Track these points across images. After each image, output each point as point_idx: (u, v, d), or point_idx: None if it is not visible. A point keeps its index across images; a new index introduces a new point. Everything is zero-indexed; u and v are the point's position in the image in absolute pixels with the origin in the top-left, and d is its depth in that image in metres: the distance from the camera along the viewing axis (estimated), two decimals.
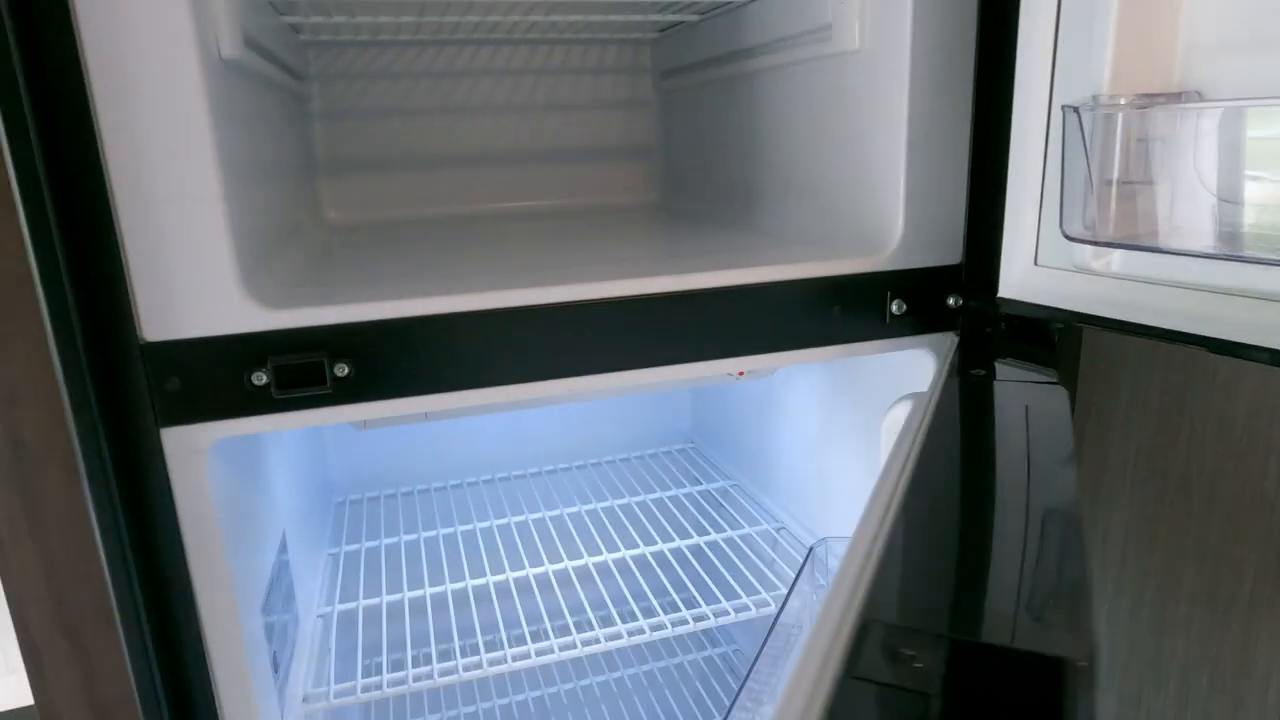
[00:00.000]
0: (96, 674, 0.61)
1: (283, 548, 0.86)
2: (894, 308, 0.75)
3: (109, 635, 0.61)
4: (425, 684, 0.83)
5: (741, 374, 0.95)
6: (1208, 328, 0.53)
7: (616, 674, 1.33)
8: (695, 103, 1.15)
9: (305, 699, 0.81)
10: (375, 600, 0.99)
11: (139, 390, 0.59)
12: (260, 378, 0.60)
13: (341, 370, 0.62)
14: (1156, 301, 0.55)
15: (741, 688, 0.83)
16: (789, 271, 0.73)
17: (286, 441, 0.93)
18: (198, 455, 0.61)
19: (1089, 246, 0.56)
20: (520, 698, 1.28)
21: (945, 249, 0.76)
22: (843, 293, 0.74)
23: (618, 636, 0.89)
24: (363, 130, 1.17)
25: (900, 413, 0.75)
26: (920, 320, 0.77)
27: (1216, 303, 0.52)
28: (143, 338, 0.58)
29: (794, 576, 1.01)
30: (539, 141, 1.24)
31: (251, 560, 0.73)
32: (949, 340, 0.79)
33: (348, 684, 0.83)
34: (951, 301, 0.77)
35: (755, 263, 0.73)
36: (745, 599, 0.95)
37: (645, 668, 1.35)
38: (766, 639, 0.85)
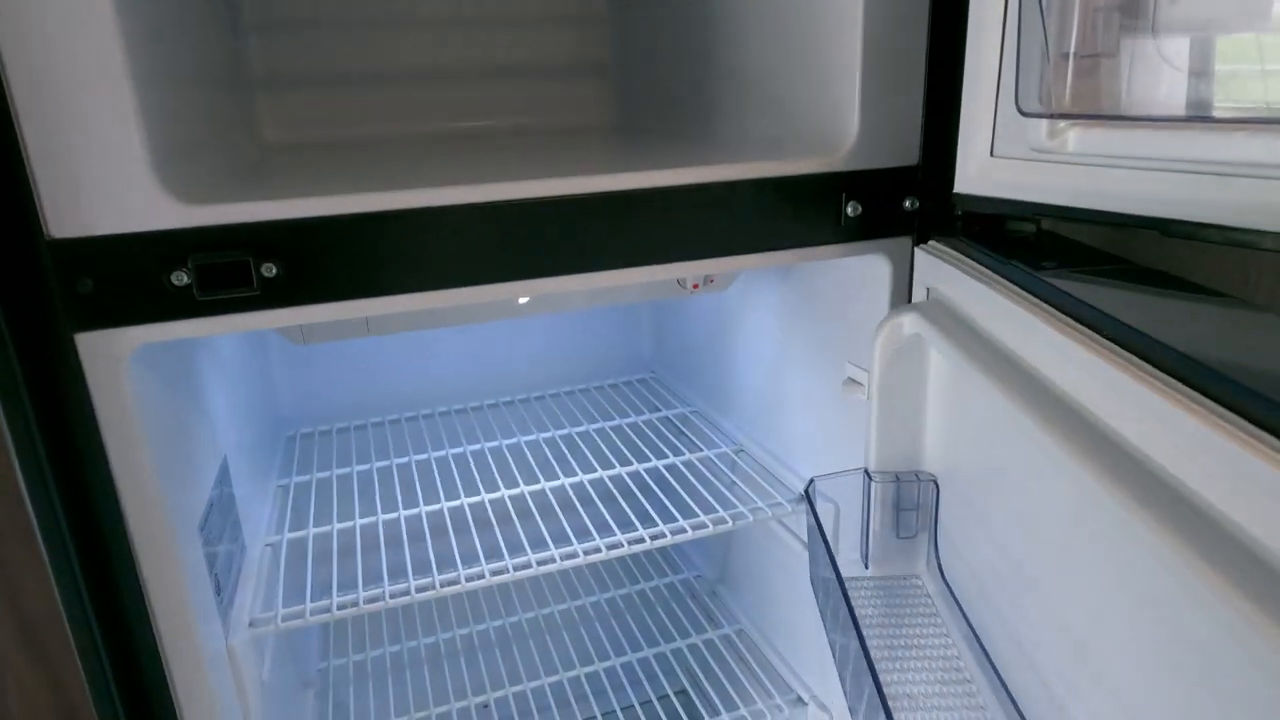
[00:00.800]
0: (20, 592, 0.58)
1: (224, 474, 0.83)
2: (849, 210, 0.73)
3: (30, 553, 0.58)
4: (377, 605, 0.82)
5: (696, 286, 0.93)
6: (1165, 209, 0.52)
7: (578, 601, 1.33)
8: (649, 16, 1.11)
9: (252, 623, 0.79)
10: (326, 528, 0.97)
11: (48, 292, 0.55)
12: (181, 278, 0.57)
13: (269, 270, 0.59)
14: (1113, 185, 0.53)
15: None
16: (740, 171, 0.71)
17: (225, 360, 0.90)
18: (117, 363, 0.58)
19: (1044, 125, 0.54)
20: (481, 627, 1.27)
21: (902, 150, 0.74)
22: (795, 194, 0.72)
23: (574, 556, 0.88)
24: (301, 44, 1.11)
25: (908, 325, 0.69)
26: (875, 223, 0.75)
27: (1173, 182, 0.50)
28: (49, 234, 0.54)
29: (758, 500, 1.00)
30: (489, 58, 1.19)
31: (187, 481, 0.70)
32: (905, 246, 0.77)
33: (296, 607, 0.82)
34: (908, 204, 0.75)
35: (705, 162, 0.71)
36: (703, 517, 0.94)
37: (607, 595, 1.35)
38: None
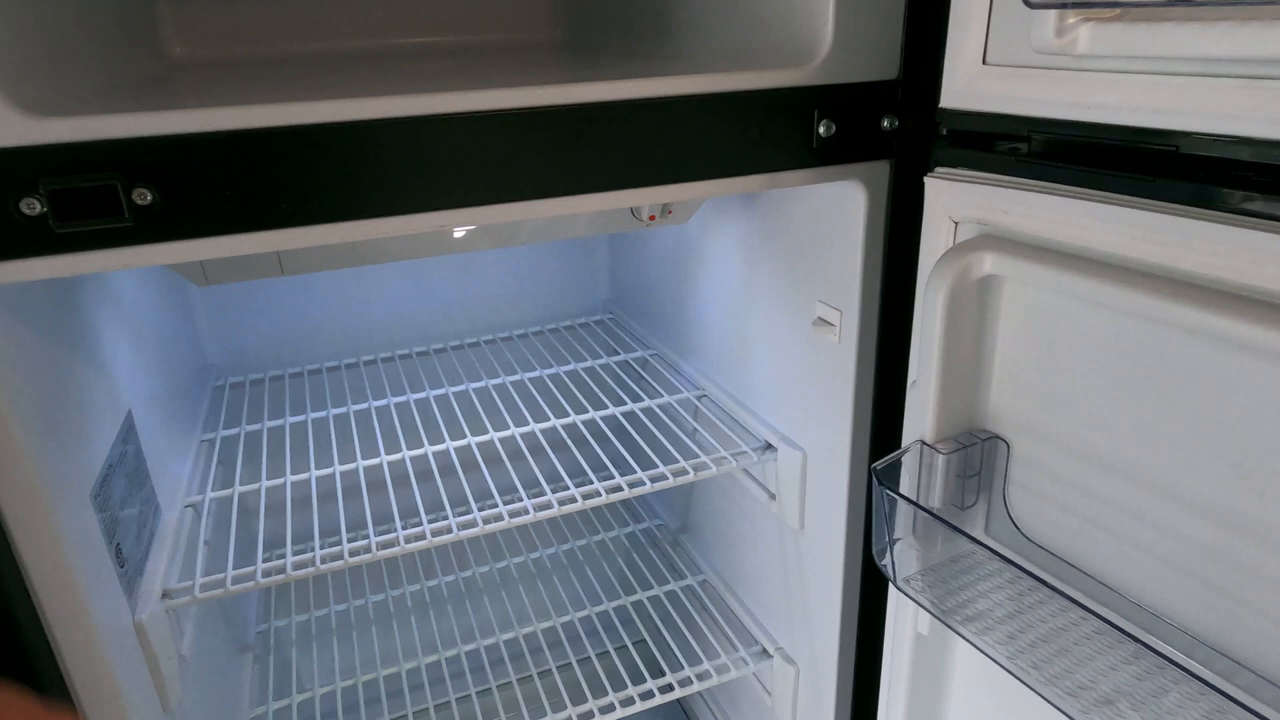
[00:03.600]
0: None
1: (129, 430, 0.75)
2: (821, 129, 0.65)
3: None
4: (307, 571, 0.75)
5: (652, 219, 0.85)
6: (1182, 121, 0.45)
7: (535, 554, 1.28)
8: None
9: (165, 594, 0.72)
10: (254, 486, 0.89)
11: None
12: (33, 205, 0.48)
13: (143, 197, 0.49)
14: (1127, 95, 0.46)
15: None
16: (700, 84, 0.62)
17: (127, 303, 0.80)
18: None
19: (1052, 20, 0.46)
20: (433, 583, 1.21)
21: (880, 62, 0.66)
22: (763, 111, 0.64)
23: (523, 513, 0.82)
24: None
25: (990, 264, 0.56)
26: (851, 145, 0.67)
27: (1194, 88, 0.43)
28: None
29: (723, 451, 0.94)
30: None
31: (72, 442, 0.62)
32: (882, 171, 0.70)
33: (216, 575, 0.74)
34: (886, 123, 0.67)
35: (663, 74, 0.62)
36: (662, 468, 0.88)
37: (565, 546, 1.29)
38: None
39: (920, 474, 0.60)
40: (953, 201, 0.59)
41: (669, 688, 0.97)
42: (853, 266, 0.73)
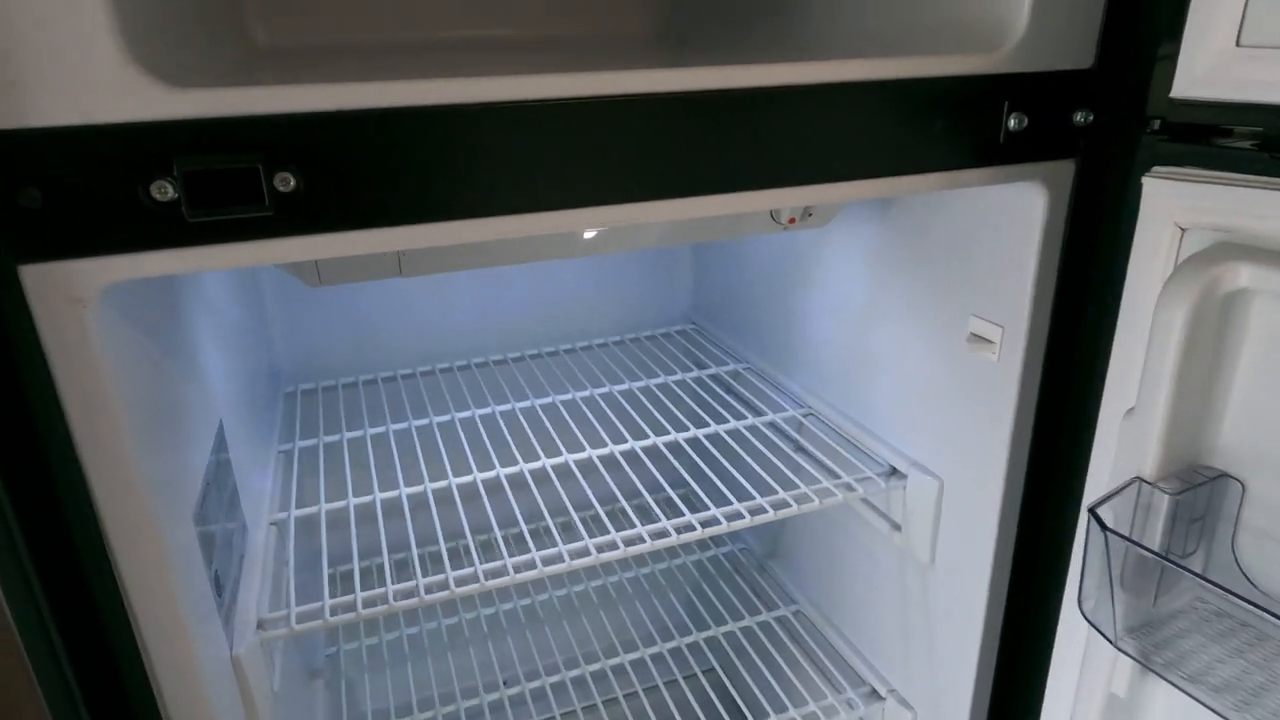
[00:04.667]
0: None
1: (220, 442, 0.68)
2: (1011, 123, 0.58)
3: None
4: (412, 602, 0.68)
5: (792, 221, 0.78)
6: None
7: (613, 578, 1.21)
8: None
9: (260, 625, 0.65)
10: (340, 504, 0.83)
11: None
12: (164, 190, 0.41)
13: (286, 183, 0.43)
14: None
15: None
16: (877, 69, 0.55)
17: (213, 301, 0.74)
18: (78, 305, 0.42)
19: None
20: (508, 606, 1.15)
21: (1075, 50, 0.59)
22: (948, 101, 0.57)
23: (612, 547, 0.74)
24: None
25: (1245, 278, 0.48)
26: (1039, 142, 0.60)
27: None
28: None
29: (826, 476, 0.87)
30: None
31: (176, 455, 0.55)
32: (1065, 172, 0.62)
33: (313, 605, 0.68)
34: (1079, 118, 0.60)
35: (833, 57, 0.55)
36: (760, 500, 0.80)
37: (645, 570, 1.22)
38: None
39: (1135, 515, 0.53)
40: (1180, 205, 0.52)
41: None
42: (1023, 278, 0.66)
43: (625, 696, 1.04)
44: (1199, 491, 0.52)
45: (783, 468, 0.89)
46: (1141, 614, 0.53)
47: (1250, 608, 0.45)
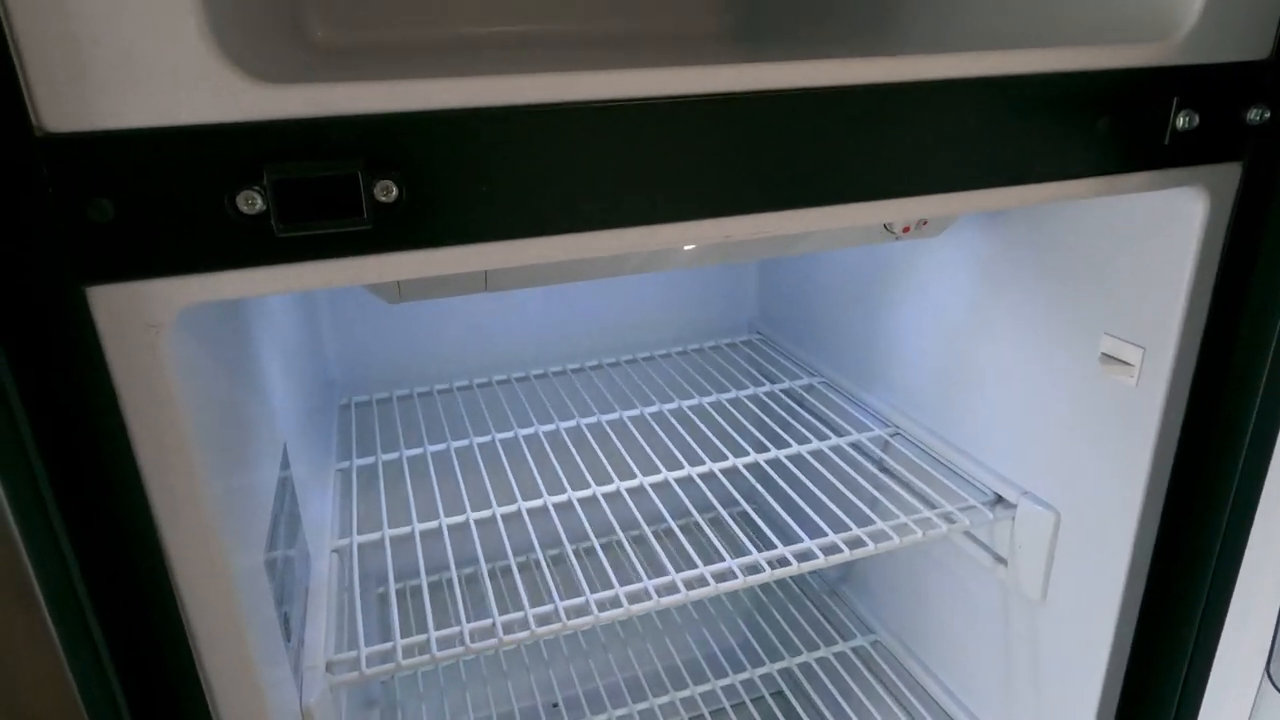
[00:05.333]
0: (18, 682, 0.38)
1: (284, 465, 0.63)
2: (1180, 121, 0.52)
3: (27, 617, 0.38)
4: (488, 644, 0.63)
5: (907, 230, 0.72)
6: None
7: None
8: None
9: (329, 668, 0.60)
10: (405, 529, 0.78)
11: (42, 220, 0.34)
12: (252, 201, 0.36)
13: (387, 192, 0.38)
14: None
15: None
16: (1028, 62, 0.49)
17: (277, 319, 0.69)
18: (152, 331, 0.37)
19: None
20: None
21: (1252, 39, 0.52)
22: (1109, 96, 0.50)
23: (674, 591, 0.68)
24: None
25: None
26: (1208, 142, 0.53)
27: None
28: (41, 126, 0.33)
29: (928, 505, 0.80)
30: None
31: (244, 481, 0.50)
32: (1230, 176, 0.56)
33: (383, 646, 0.62)
34: (1253, 115, 0.53)
35: (977, 47, 0.49)
36: (833, 537, 0.73)
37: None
38: None
39: None
40: None
41: None
42: (1173, 295, 0.59)
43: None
44: None
45: (873, 490, 0.82)
46: None
47: None
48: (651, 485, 0.83)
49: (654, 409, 1.00)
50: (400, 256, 0.39)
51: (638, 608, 0.65)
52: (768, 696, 1.00)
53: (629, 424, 0.97)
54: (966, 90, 0.48)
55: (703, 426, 0.95)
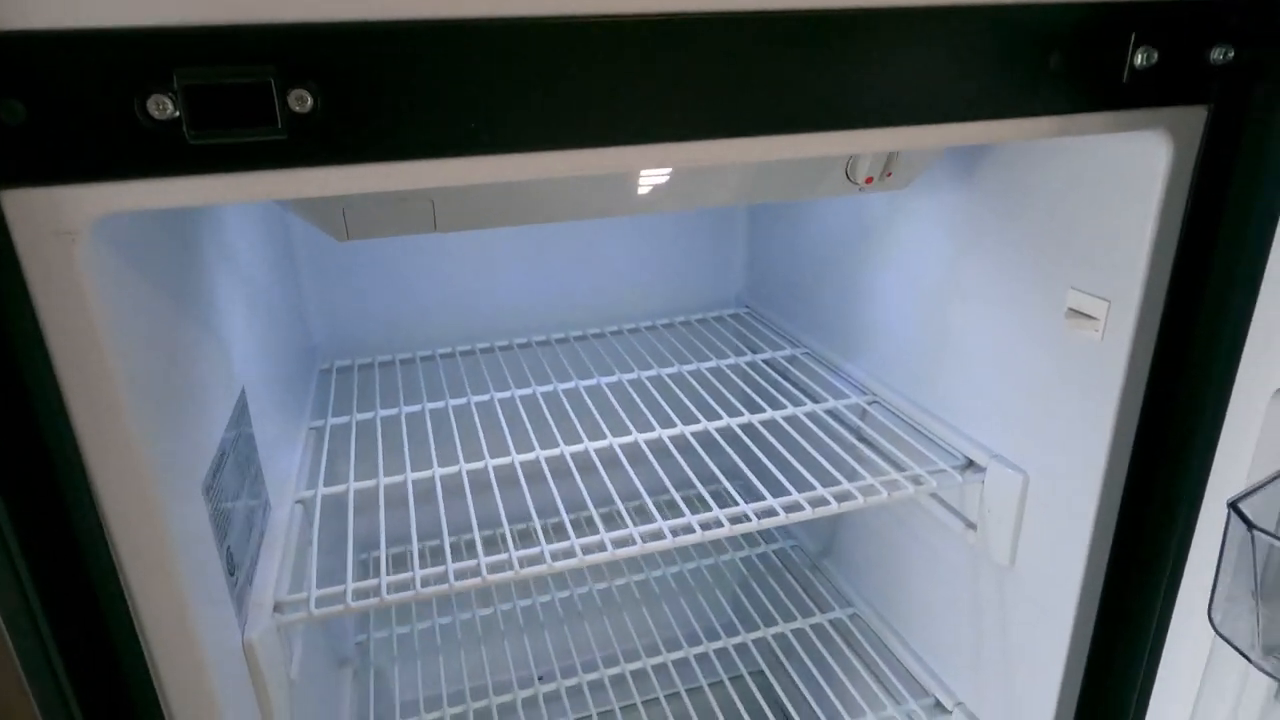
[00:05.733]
0: None
1: (242, 412, 0.64)
2: (1138, 59, 0.50)
3: None
4: (437, 589, 0.62)
5: (869, 181, 0.71)
6: None
7: (656, 572, 1.14)
8: None
9: (277, 608, 0.60)
10: (370, 483, 0.78)
11: None
12: (163, 106, 0.36)
13: (302, 102, 0.37)
14: None
15: None
16: None
17: (242, 256, 0.69)
18: (66, 238, 0.37)
19: None
20: (545, 599, 1.09)
21: None
22: (1066, 31, 0.49)
23: (659, 537, 0.68)
24: None
25: None
26: (1168, 83, 0.52)
27: None
28: None
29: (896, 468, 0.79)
30: None
31: (185, 417, 0.50)
32: (1195, 120, 0.54)
33: (334, 588, 0.62)
34: (1216, 55, 0.52)
35: None
36: (821, 490, 0.73)
37: (690, 565, 1.16)
38: None
39: None
40: None
41: None
42: (1138, 245, 0.58)
43: (667, 697, 0.98)
44: None
45: (846, 457, 0.81)
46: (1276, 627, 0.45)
47: None
48: (621, 446, 0.83)
49: (632, 376, 0.99)
50: (319, 172, 0.39)
51: (590, 560, 0.65)
52: (746, 675, 0.99)
53: (606, 390, 0.96)
54: (917, 20, 0.47)
55: (681, 394, 0.94)
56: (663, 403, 0.92)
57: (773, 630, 1.00)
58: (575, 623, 1.07)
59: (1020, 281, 0.69)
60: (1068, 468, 0.67)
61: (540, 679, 0.96)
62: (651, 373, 1.00)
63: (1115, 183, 0.59)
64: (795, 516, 0.71)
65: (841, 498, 0.73)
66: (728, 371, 1.00)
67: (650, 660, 0.97)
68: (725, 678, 1.01)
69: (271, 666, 0.59)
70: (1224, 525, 0.46)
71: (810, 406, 0.90)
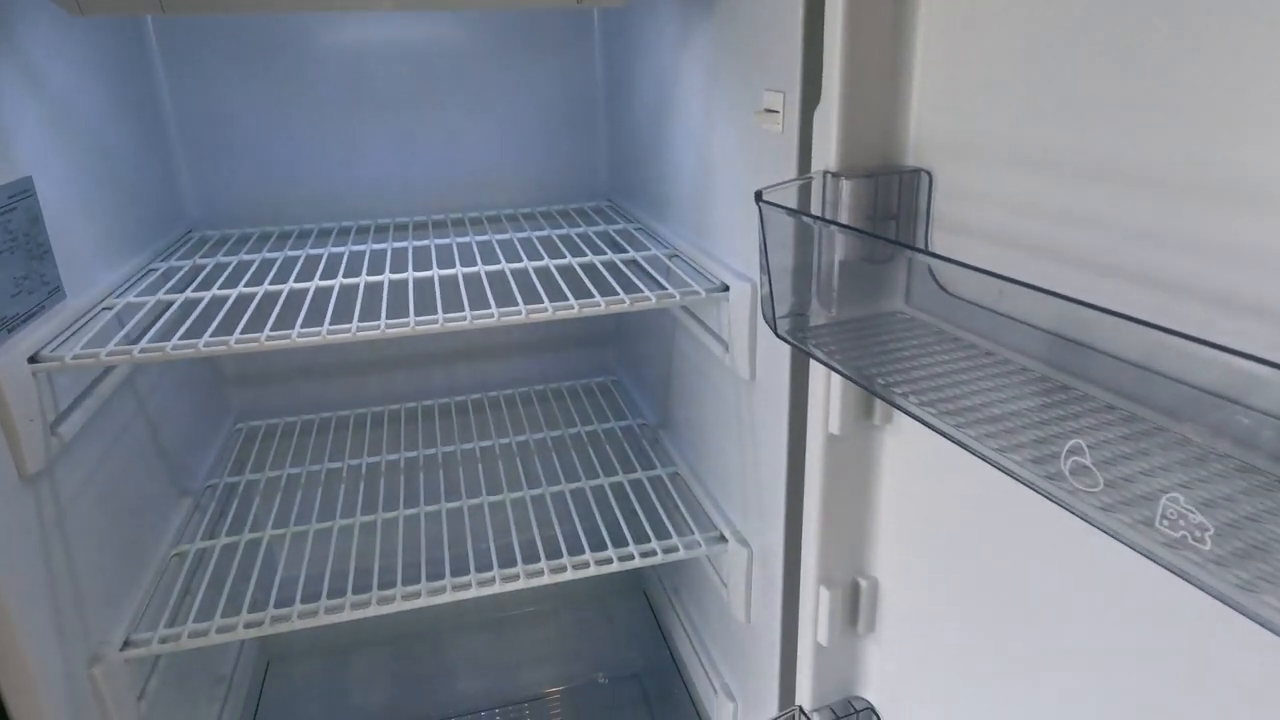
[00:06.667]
0: None
1: (23, 194, 0.71)
2: None
3: None
4: (281, 343, 0.69)
5: None
6: None
7: (520, 437, 1.21)
8: None
9: (34, 360, 0.68)
10: (204, 294, 0.85)
11: None
12: None
13: None
14: None
15: None
16: None
17: (43, 78, 0.77)
18: None
19: None
20: (412, 454, 1.16)
21: None
22: None
23: (516, 314, 0.79)
24: None
25: None
26: None
27: None
28: None
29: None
30: None
31: None
32: None
33: (125, 347, 0.70)
34: None
35: None
36: (572, 301, 0.80)
37: (555, 433, 1.22)
38: None
39: (823, 211, 0.50)
40: None
41: (628, 557, 0.89)
42: (791, 29, 0.63)
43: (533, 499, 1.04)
44: (886, 184, 0.49)
45: (637, 283, 0.88)
46: (823, 316, 0.50)
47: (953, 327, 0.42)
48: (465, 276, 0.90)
49: (483, 238, 1.06)
50: None
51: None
52: (593, 505, 1.05)
53: (474, 248, 1.03)
54: None
55: (498, 250, 1.01)
56: (504, 252, 0.98)
57: (611, 479, 1.06)
58: (448, 470, 1.14)
59: (740, 95, 0.74)
60: None
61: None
62: (484, 238, 1.07)
63: None
64: (588, 310, 0.80)
65: (612, 304, 0.80)
66: (564, 238, 1.07)
67: (510, 494, 1.03)
68: (578, 522, 1.06)
69: (21, 406, 0.66)
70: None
71: (608, 256, 0.96)
